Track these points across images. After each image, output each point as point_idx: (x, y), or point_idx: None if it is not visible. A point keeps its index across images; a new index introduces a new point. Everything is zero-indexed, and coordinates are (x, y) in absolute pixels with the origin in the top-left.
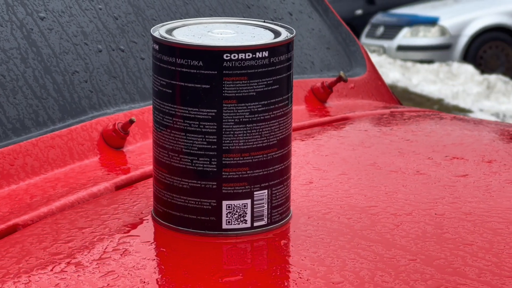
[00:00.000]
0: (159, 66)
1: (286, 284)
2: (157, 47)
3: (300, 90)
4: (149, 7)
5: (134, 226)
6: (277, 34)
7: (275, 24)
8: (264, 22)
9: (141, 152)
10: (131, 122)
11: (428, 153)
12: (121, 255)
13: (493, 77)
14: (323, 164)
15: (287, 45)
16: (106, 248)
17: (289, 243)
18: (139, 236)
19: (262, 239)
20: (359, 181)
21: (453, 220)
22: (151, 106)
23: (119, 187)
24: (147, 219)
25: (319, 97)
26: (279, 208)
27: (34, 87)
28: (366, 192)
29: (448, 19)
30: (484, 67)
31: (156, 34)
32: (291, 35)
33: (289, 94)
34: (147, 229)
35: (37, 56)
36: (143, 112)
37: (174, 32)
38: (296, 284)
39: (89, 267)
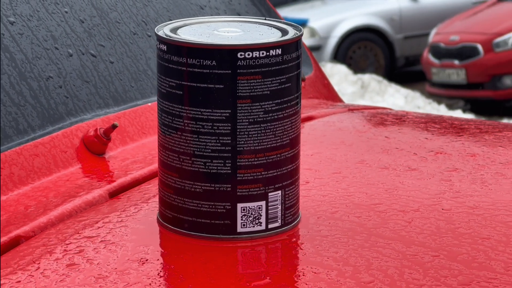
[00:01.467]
0: (166, 67)
1: (318, 285)
2: (164, 47)
3: None
4: (111, 10)
5: (143, 233)
6: (283, 32)
7: (278, 22)
8: (266, 19)
9: (124, 158)
10: (113, 127)
11: (410, 149)
12: (139, 263)
13: (366, 77)
14: (313, 164)
15: (297, 43)
16: (121, 257)
17: (307, 244)
18: (151, 243)
19: (278, 241)
20: (354, 179)
21: (462, 215)
22: (127, 111)
23: (112, 194)
24: (155, 226)
25: None
26: (292, 209)
27: (12, 94)
28: (365, 190)
29: (317, 20)
30: (354, 67)
31: (161, 34)
32: (300, 33)
33: (299, 93)
34: (157, 236)
35: (11, 62)
36: (119, 117)
37: (179, 32)
38: (327, 285)
39: (109, 277)
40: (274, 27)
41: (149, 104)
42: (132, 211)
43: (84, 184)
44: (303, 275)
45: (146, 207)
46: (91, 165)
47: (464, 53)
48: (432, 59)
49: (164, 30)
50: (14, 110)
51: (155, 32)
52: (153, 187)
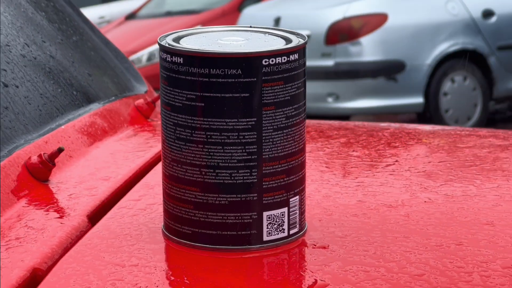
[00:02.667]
0: (183, 80)
1: (377, 283)
2: (180, 60)
3: (127, 107)
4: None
5: (162, 253)
6: (284, 38)
7: (265, 28)
8: (251, 27)
9: (71, 183)
10: (60, 151)
11: (360, 150)
12: (185, 284)
13: None
14: None
15: (304, 48)
16: (162, 279)
17: (334, 246)
18: (180, 262)
19: (301, 246)
20: (318, 182)
21: (448, 204)
22: (49, 136)
23: (91, 218)
24: (168, 244)
25: (144, 114)
26: (304, 214)
27: None
28: (337, 190)
29: None
30: None
31: (167, 45)
32: (305, 39)
33: (305, 98)
34: (181, 254)
35: None
36: (46, 141)
37: (182, 43)
38: (385, 281)
39: None
40: (269, 34)
41: (62, 127)
42: (133, 232)
43: (57, 211)
44: (356, 274)
45: (143, 227)
46: (43, 192)
47: None
48: None
49: (169, 41)
50: None
51: (161, 45)
52: (126, 208)
